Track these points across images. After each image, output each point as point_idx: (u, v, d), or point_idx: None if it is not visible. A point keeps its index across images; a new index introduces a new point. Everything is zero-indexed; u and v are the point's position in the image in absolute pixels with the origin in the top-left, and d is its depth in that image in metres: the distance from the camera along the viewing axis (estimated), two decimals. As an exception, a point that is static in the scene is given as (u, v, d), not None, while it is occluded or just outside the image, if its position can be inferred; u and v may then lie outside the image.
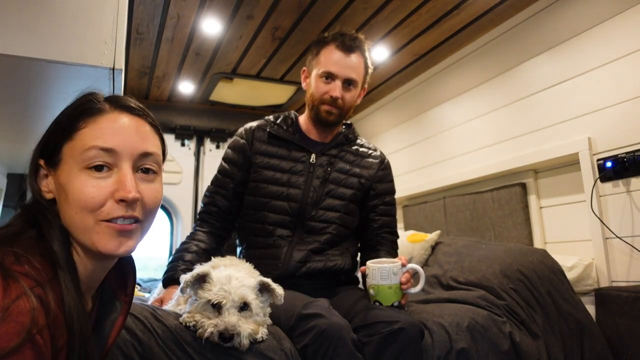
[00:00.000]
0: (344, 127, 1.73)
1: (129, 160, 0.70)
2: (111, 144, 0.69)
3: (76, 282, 0.66)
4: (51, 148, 0.71)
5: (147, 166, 0.73)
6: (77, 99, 0.74)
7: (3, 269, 0.57)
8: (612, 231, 1.97)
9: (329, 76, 1.56)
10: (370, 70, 1.66)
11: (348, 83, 1.57)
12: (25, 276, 0.58)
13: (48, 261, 0.63)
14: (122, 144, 0.70)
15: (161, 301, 1.37)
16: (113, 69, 1.07)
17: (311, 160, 1.60)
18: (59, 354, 0.59)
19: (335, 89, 1.55)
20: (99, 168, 0.68)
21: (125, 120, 0.72)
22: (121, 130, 0.71)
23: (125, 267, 0.84)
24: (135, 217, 0.70)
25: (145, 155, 0.72)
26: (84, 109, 0.71)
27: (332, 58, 1.55)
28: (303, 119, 1.69)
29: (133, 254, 0.77)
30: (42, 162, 0.72)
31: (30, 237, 0.65)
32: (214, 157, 4.11)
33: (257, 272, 1.30)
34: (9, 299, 0.54)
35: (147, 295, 2.16)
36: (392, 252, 1.64)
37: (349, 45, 1.55)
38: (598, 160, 2.04)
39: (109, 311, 0.79)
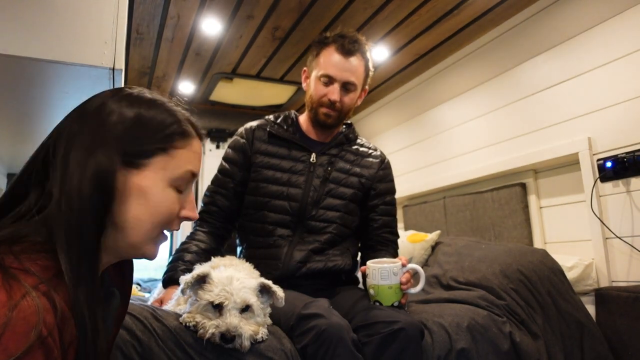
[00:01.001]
0: (344, 126, 1.73)
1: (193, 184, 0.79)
2: (198, 170, 0.78)
3: (96, 275, 0.65)
4: (137, 152, 0.71)
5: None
6: (171, 114, 0.76)
7: (3, 269, 0.57)
8: (612, 231, 1.97)
9: (328, 79, 1.56)
10: (371, 72, 1.65)
11: (347, 86, 1.57)
12: (28, 274, 0.58)
13: (52, 258, 0.63)
14: (199, 172, 0.79)
15: (161, 301, 1.37)
16: (113, 69, 1.07)
17: (311, 159, 1.60)
18: (69, 349, 0.59)
19: (334, 92, 1.55)
20: (180, 190, 0.75)
21: (200, 147, 0.81)
22: (200, 157, 0.80)
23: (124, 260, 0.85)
24: None
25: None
26: (182, 130, 0.75)
27: (331, 61, 1.55)
28: (303, 119, 1.69)
29: None
30: (119, 158, 0.71)
31: (32, 237, 0.64)
32: (214, 157, 4.11)
33: (257, 273, 1.30)
34: (13, 300, 0.54)
35: (147, 295, 2.16)
36: (393, 252, 1.64)
37: (349, 49, 1.54)
38: (598, 160, 2.04)
39: (110, 300, 0.80)
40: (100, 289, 0.66)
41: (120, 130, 0.70)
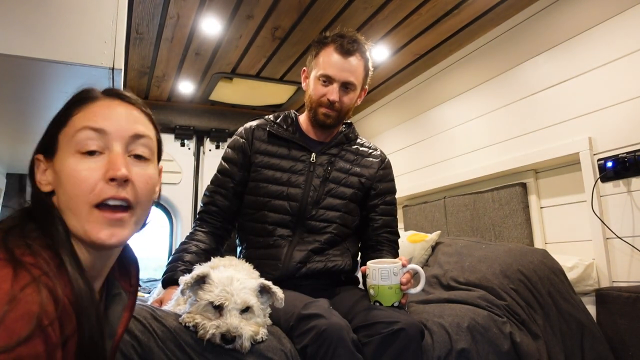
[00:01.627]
0: (344, 126, 1.72)
1: (120, 142, 0.72)
2: (102, 124, 0.71)
3: (81, 270, 0.66)
4: (48, 140, 0.73)
5: (138, 152, 0.74)
6: (74, 93, 0.77)
7: (13, 258, 0.58)
8: (612, 231, 1.97)
9: (326, 79, 1.55)
10: (370, 72, 1.64)
11: (346, 86, 1.56)
12: (34, 266, 0.59)
13: (52, 251, 0.64)
14: (113, 126, 0.71)
15: (160, 302, 1.37)
16: (113, 68, 1.07)
17: (311, 159, 1.60)
18: (69, 342, 0.60)
19: (333, 92, 1.54)
20: (91, 153, 0.69)
21: (117, 105, 0.75)
22: (112, 114, 0.73)
23: (127, 259, 0.85)
24: (126, 200, 0.70)
25: (137, 137, 0.74)
26: (79, 99, 0.74)
27: (330, 61, 1.54)
28: (303, 119, 1.69)
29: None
30: (40, 156, 0.74)
31: (31, 229, 0.66)
32: (213, 157, 4.11)
33: (257, 273, 1.30)
34: (17, 287, 0.55)
35: (146, 295, 2.16)
36: (393, 252, 1.64)
37: (348, 49, 1.54)
38: (598, 160, 2.04)
39: (116, 302, 0.80)
40: (89, 282, 0.67)
41: (45, 131, 0.74)
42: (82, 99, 0.74)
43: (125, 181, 0.69)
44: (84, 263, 0.70)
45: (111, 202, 0.69)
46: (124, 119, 0.73)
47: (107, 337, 0.76)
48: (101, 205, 0.68)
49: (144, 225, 0.78)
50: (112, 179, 0.68)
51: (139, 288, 2.77)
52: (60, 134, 0.72)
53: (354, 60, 1.55)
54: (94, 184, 0.68)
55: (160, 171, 0.83)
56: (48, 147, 0.73)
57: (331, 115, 1.57)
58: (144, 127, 0.76)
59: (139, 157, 0.74)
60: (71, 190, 0.68)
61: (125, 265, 0.84)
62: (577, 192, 2.19)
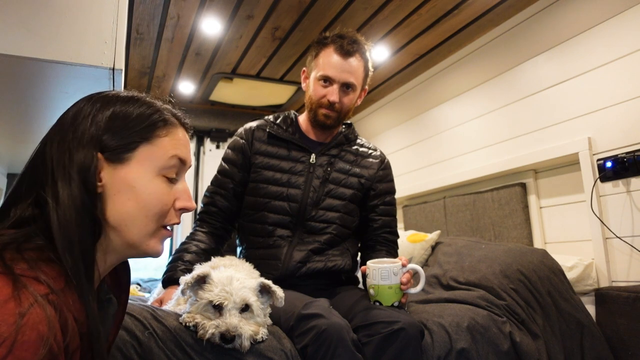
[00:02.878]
0: (343, 126, 1.73)
1: (185, 174, 0.78)
2: (186, 157, 0.76)
3: (91, 284, 0.65)
4: (121, 145, 0.71)
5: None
6: (149, 104, 0.76)
7: (13, 277, 0.56)
8: (612, 231, 1.97)
9: (326, 80, 1.55)
10: (370, 72, 1.65)
11: (346, 87, 1.56)
12: (38, 282, 0.58)
13: (57, 266, 0.62)
14: (189, 159, 0.78)
15: (161, 301, 1.37)
16: (113, 69, 1.07)
17: (311, 160, 1.60)
18: (73, 357, 0.59)
19: (333, 93, 1.55)
20: (172, 180, 0.74)
21: (186, 136, 0.80)
22: (187, 146, 0.79)
23: (120, 265, 0.84)
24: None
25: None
26: (163, 118, 0.75)
27: (330, 62, 1.55)
28: (303, 119, 1.69)
29: None
30: (101, 155, 0.70)
31: (37, 244, 0.64)
32: (214, 157, 4.12)
33: (257, 273, 1.30)
34: (23, 307, 0.53)
35: (146, 295, 2.16)
36: (393, 252, 1.64)
37: (348, 49, 1.54)
38: (598, 160, 2.04)
39: (107, 308, 0.79)
40: (96, 294, 0.66)
41: (96, 129, 0.70)
42: (165, 120, 0.75)
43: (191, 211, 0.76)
44: (101, 268, 0.71)
45: (169, 227, 0.75)
46: (190, 151, 0.80)
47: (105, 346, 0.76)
48: (166, 226, 0.74)
49: None
50: (183, 210, 0.75)
51: (139, 288, 2.76)
52: (142, 147, 0.72)
53: (354, 61, 1.55)
54: (169, 208, 0.73)
55: None
56: (118, 151, 0.70)
57: (331, 116, 1.58)
58: None
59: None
60: (150, 208, 0.71)
61: (118, 270, 0.84)
62: (577, 192, 2.20)
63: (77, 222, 0.65)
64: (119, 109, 0.72)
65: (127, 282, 0.86)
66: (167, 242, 4.09)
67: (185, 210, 0.74)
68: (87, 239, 0.66)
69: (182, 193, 0.75)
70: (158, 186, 0.72)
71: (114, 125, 0.71)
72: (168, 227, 0.74)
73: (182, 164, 0.75)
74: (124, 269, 0.85)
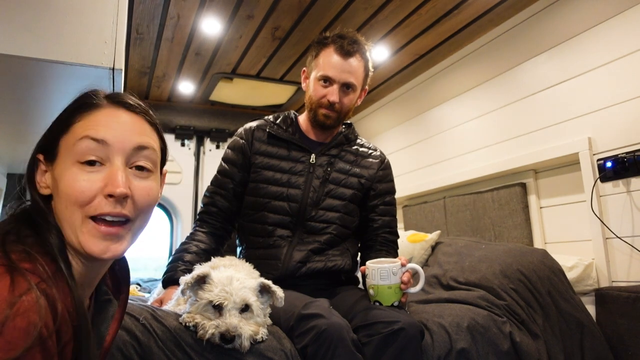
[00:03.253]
0: (343, 126, 1.73)
1: (121, 155, 0.69)
2: (103, 135, 0.68)
3: (73, 279, 0.65)
4: (49, 143, 0.71)
5: (140, 163, 0.72)
6: (78, 96, 0.74)
7: (11, 265, 0.57)
8: (612, 231, 1.97)
9: (326, 80, 1.55)
10: (370, 73, 1.65)
11: (346, 87, 1.56)
12: (32, 273, 0.58)
13: (48, 257, 0.63)
14: (115, 137, 0.69)
15: (161, 301, 1.37)
16: (113, 68, 1.07)
17: (311, 160, 1.60)
18: (65, 349, 0.59)
19: (333, 93, 1.54)
20: (91, 163, 0.67)
21: (121, 115, 0.72)
22: (115, 124, 0.70)
23: (118, 265, 0.84)
24: (125, 215, 0.68)
25: (139, 149, 0.71)
26: (82, 104, 0.71)
27: (330, 62, 1.54)
28: (303, 119, 1.69)
29: (134, 253, 0.77)
30: (41, 157, 0.72)
31: (28, 234, 0.65)
32: (214, 157, 4.12)
33: (257, 273, 1.30)
34: (16, 294, 0.54)
35: (147, 295, 2.16)
36: (393, 252, 1.64)
37: (348, 50, 1.53)
38: (598, 160, 2.04)
39: (105, 309, 0.79)
40: (76, 288, 0.66)
41: (45, 131, 0.72)
42: (85, 104, 0.71)
43: (124, 197, 0.67)
44: (76, 271, 0.69)
45: (108, 218, 0.67)
46: (128, 130, 0.71)
47: (96, 345, 0.75)
48: (97, 218, 0.67)
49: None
50: (111, 195, 0.66)
51: (139, 288, 2.76)
52: (62, 140, 0.69)
53: (354, 61, 1.55)
54: (92, 196, 0.66)
55: (164, 175, 0.82)
56: (49, 149, 0.71)
57: (331, 116, 1.58)
58: (148, 137, 0.74)
59: (140, 169, 0.72)
60: (67, 200, 0.66)
61: (116, 271, 0.83)
62: (577, 192, 2.20)
63: (43, 222, 0.67)
64: (65, 108, 0.73)
65: (127, 283, 0.85)
66: (167, 242, 4.09)
67: (111, 195, 0.66)
68: (54, 239, 0.66)
69: (107, 178, 0.67)
70: (72, 174, 0.66)
71: (53, 124, 0.72)
72: (107, 218, 0.67)
73: (101, 143, 0.67)
74: (124, 271, 0.85)
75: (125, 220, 0.69)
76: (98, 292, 0.80)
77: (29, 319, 0.53)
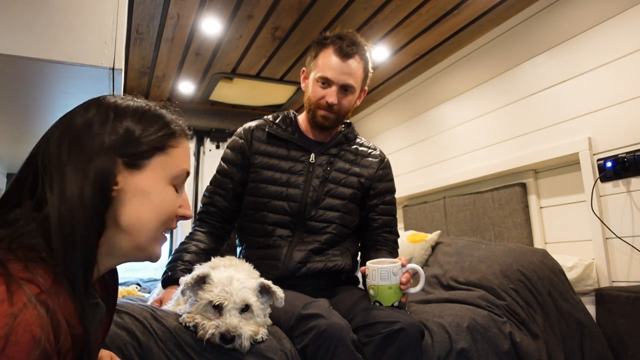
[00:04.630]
0: (343, 126, 1.72)
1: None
2: (189, 168, 0.82)
3: (89, 285, 0.66)
4: (139, 152, 0.74)
5: None
6: (164, 118, 0.79)
7: (8, 276, 0.56)
8: (612, 231, 1.97)
9: (325, 81, 1.55)
10: (370, 73, 1.64)
11: (345, 89, 1.56)
12: (30, 283, 0.57)
13: (48, 266, 0.62)
14: (189, 170, 0.83)
15: (160, 301, 1.37)
16: (113, 68, 1.07)
17: (310, 159, 1.60)
18: (65, 359, 0.59)
19: (332, 94, 1.54)
20: (177, 189, 0.79)
21: (189, 147, 0.84)
22: (189, 157, 0.84)
23: (109, 271, 0.85)
24: None
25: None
26: (176, 130, 0.80)
27: (329, 63, 1.54)
28: (302, 119, 1.69)
29: None
30: (121, 161, 0.72)
31: (28, 242, 0.64)
32: (214, 157, 4.11)
33: (257, 273, 1.30)
34: (16, 308, 0.53)
35: (146, 295, 2.16)
36: (393, 251, 1.64)
37: (347, 52, 1.53)
38: (598, 160, 2.04)
39: (95, 311, 0.79)
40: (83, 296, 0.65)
41: (116, 137, 0.72)
42: (176, 131, 0.80)
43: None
44: (100, 270, 0.72)
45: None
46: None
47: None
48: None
49: None
50: (183, 217, 0.79)
51: (139, 288, 2.76)
52: (157, 156, 0.75)
53: (353, 62, 1.55)
54: (173, 214, 0.77)
55: None
56: (136, 158, 0.73)
57: (330, 118, 1.57)
58: None
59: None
60: (162, 214, 0.75)
61: (105, 278, 0.84)
62: (577, 192, 2.20)
63: (83, 220, 0.66)
64: (136, 119, 0.76)
65: (115, 289, 0.87)
66: (167, 242, 4.09)
67: (184, 218, 0.80)
68: (91, 238, 0.67)
69: (184, 201, 0.80)
70: (170, 194, 0.76)
71: (133, 134, 0.74)
72: (166, 233, 0.79)
73: (187, 175, 0.81)
74: (112, 277, 0.86)
75: None
76: (87, 295, 0.80)
77: (32, 333, 0.52)
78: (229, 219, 1.62)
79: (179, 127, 0.81)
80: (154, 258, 0.77)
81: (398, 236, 1.71)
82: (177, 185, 0.78)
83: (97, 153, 0.70)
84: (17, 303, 0.54)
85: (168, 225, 0.77)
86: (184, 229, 3.90)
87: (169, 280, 1.42)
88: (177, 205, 0.78)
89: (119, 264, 0.77)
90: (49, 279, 0.61)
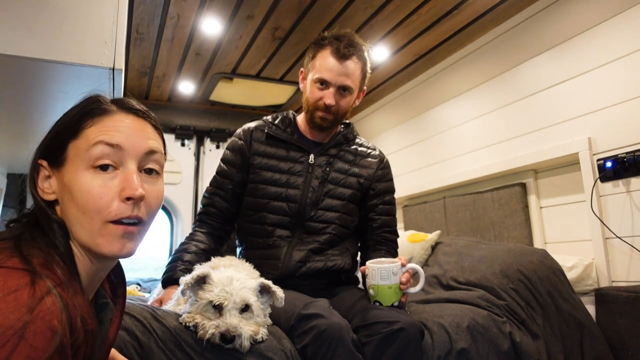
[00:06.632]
0: (342, 126, 1.72)
1: (134, 159, 0.71)
2: (117, 140, 0.70)
3: (80, 282, 0.66)
4: (55, 148, 0.71)
5: (150, 166, 0.74)
6: (82, 100, 0.75)
7: (31, 268, 0.57)
8: (612, 231, 1.97)
9: (323, 83, 1.55)
10: (368, 74, 1.64)
11: (343, 90, 1.56)
12: (50, 277, 0.59)
13: (62, 262, 0.64)
14: (128, 142, 0.71)
15: (161, 301, 1.37)
16: (113, 69, 1.07)
17: (310, 160, 1.60)
18: (77, 353, 0.59)
19: (329, 96, 1.54)
20: (104, 167, 0.69)
21: (130, 120, 0.74)
22: (126, 129, 0.72)
23: (114, 270, 0.85)
24: (140, 218, 0.70)
25: (150, 153, 0.73)
26: (91, 109, 0.72)
27: (326, 65, 1.54)
28: (301, 119, 1.69)
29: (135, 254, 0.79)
30: (44, 162, 0.72)
31: (40, 240, 0.65)
32: (214, 157, 4.12)
33: (257, 273, 1.30)
34: (36, 298, 0.54)
35: (146, 295, 2.16)
36: (392, 251, 1.64)
37: (344, 53, 1.52)
38: (598, 160, 2.04)
39: (104, 312, 0.79)
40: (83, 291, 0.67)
41: (46, 136, 0.73)
42: (94, 109, 0.72)
43: (140, 200, 0.69)
44: (82, 273, 0.70)
45: (125, 220, 0.69)
46: (138, 135, 0.73)
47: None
48: (115, 221, 0.69)
49: None
50: (129, 198, 0.68)
51: (139, 288, 2.76)
52: (71, 145, 0.70)
53: (351, 63, 1.55)
54: (110, 201, 0.68)
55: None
56: (55, 155, 0.71)
57: (328, 118, 1.57)
58: (156, 141, 0.76)
59: (149, 172, 0.74)
60: (84, 206, 0.67)
61: (111, 275, 0.84)
62: (577, 192, 2.20)
63: (46, 227, 0.68)
64: (67, 112, 0.74)
65: (123, 287, 0.86)
66: (167, 242, 4.10)
67: (129, 198, 0.68)
68: (60, 242, 0.67)
69: (124, 181, 0.69)
70: (87, 180, 0.67)
71: (54, 129, 0.73)
72: (124, 221, 0.68)
73: (115, 148, 0.69)
74: (119, 275, 0.86)
75: (139, 221, 0.71)
76: (97, 295, 0.80)
77: (50, 324, 0.53)
78: (229, 220, 1.62)
79: (100, 105, 0.72)
80: (107, 254, 0.68)
81: (398, 236, 1.71)
82: (98, 164, 0.68)
83: (34, 155, 0.72)
84: (37, 293, 0.55)
85: (104, 214, 0.67)
86: (184, 228, 3.91)
87: (169, 280, 1.42)
88: (112, 189, 0.68)
89: (101, 265, 0.73)
90: (65, 274, 0.62)
